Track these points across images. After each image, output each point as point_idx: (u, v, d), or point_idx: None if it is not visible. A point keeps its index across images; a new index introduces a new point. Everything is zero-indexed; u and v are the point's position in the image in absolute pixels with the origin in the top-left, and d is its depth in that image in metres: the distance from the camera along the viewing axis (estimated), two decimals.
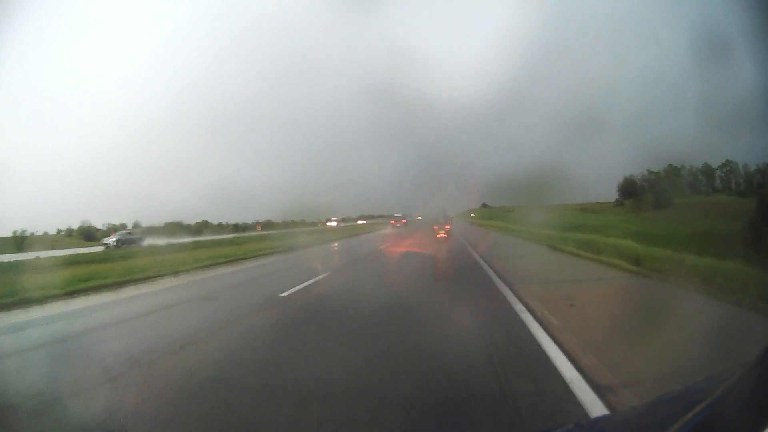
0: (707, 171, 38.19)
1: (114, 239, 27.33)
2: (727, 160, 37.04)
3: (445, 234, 14.91)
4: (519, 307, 4.74)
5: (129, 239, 28.04)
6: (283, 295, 6.32)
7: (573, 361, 2.99)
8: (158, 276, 9.84)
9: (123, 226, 38.73)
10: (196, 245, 18.75)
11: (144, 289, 8.33)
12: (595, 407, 2.29)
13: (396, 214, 42.14)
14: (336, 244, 19.59)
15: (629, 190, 35.76)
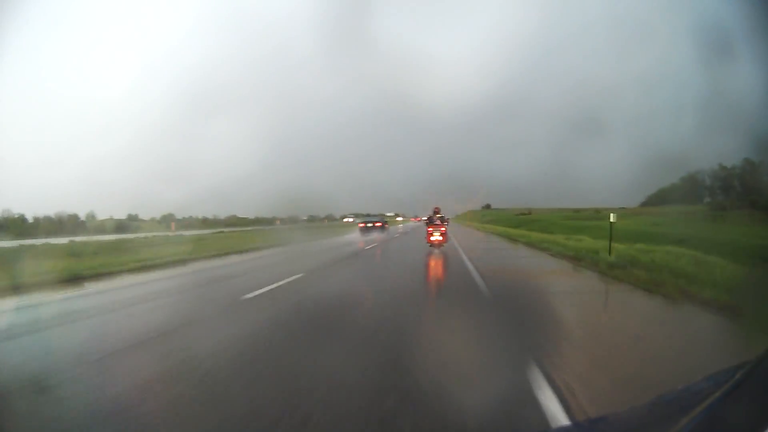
0: None
1: None
2: None
3: (441, 237, 12.84)
4: None
5: None
6: None
7: None
8: None
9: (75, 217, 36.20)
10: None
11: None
12: None
13: (387, 214, 42.97)
14: None
15: (692, 191, 26.90)
